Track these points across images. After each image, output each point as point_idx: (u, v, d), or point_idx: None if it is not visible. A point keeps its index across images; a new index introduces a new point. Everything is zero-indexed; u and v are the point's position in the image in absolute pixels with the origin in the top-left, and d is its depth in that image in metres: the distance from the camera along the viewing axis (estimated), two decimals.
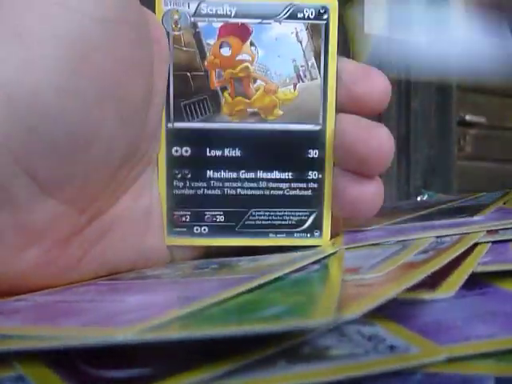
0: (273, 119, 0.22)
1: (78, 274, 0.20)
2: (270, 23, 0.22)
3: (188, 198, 0.22)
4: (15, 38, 0.17)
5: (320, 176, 0.22)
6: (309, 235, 0.23)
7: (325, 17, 0.22)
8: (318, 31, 0.22)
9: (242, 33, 0.22)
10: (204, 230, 0.22)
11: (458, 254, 0.17)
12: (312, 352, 0.12)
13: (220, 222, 0.22)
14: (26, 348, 0.12)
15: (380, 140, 0.21)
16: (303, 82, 0.22)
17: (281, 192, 0.22)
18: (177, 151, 0.22)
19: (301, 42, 0.22)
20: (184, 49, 0.22)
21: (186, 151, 0.22)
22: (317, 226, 0.23)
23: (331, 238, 0.23)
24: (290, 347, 0.12)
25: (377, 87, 0.22)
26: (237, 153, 0.22)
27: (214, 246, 0.23)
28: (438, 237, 0.20)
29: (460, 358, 0.12)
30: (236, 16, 0.22)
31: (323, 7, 0.22)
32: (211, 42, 0.22)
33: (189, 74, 0.22)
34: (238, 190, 0.22)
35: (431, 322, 0.14)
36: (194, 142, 0.22)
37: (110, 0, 0.18)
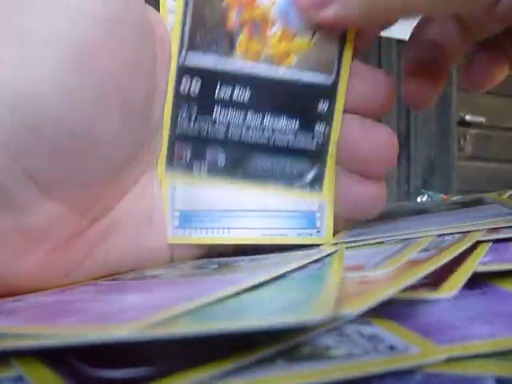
0: (287, 66, 0.22)
1: (80, 275, 0.20)
2: None
3: (191, 136, 0.22)
4: (16, 38, 0.17)
5: (327, 130, 0.22)
6: (308, 189, 0.22)
7: None
8: None
9: None
10: (203, 170, 0.22)
11: (460, 252, 0.17)
12: (311, 352, 0.12)
13: (220, 164, 0.22)
14: (25, 347, 0.12)
15: (384, 141, 0.21)
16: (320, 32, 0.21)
17: (285, 143, 0.22)
18: (184, 91, 0.21)
19: None
20: None
21: (194, 91, 0.21)
22: (317, 181, 0.22)
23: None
24: (290, 347, 0.12)
25: (382, 86, 0.22)
26: (246, 97, 0.22)
27: (214, 246, 0.23)
28: (439, 235, 0.20)
29: (460, 358, 0.12)
30: None
31: None
32: None
33: (207, 10, 0.21)
34: (243, 136, 0.22)
35: (431, 322, 0.14)
36: (204, 79, 0.21)
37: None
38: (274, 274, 0.16)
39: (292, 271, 0.17)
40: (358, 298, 0.13)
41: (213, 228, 0.22)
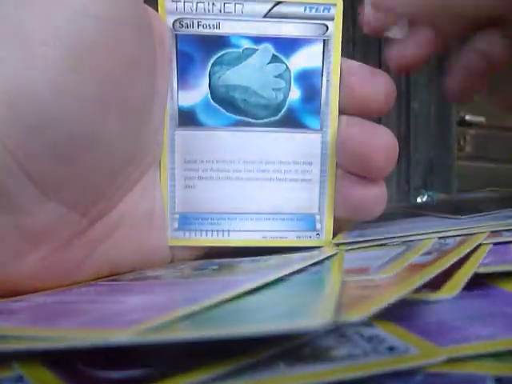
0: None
1: (80, 275, 0.20)
2: None
3: None
4: (15, 38, 0.17)
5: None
6: None
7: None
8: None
9: None
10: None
11: (463, 255, 0.17)
12: (312, 353, 0.12)
13: None
14: (26, 348, 0.12)
15: (384, 143, 0.21)
16: None
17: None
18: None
19: None
20: None
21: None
22: None
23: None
24: (290, 348, 0.12)
25: (382, 87, 0.22)
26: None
27: (215, 246, 0.23)
28: (440, 238, 0.20)
29: (460, 359, 0.12)
30: None
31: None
32: None
33: None
34: None
35: (431, 323, 0.14)
36: None
37: None
38: (274, 277, 0.16)
39: (292, 274, 0.17)
40: (364, 302, 0.12)
41: (212, 230, 0.22)
